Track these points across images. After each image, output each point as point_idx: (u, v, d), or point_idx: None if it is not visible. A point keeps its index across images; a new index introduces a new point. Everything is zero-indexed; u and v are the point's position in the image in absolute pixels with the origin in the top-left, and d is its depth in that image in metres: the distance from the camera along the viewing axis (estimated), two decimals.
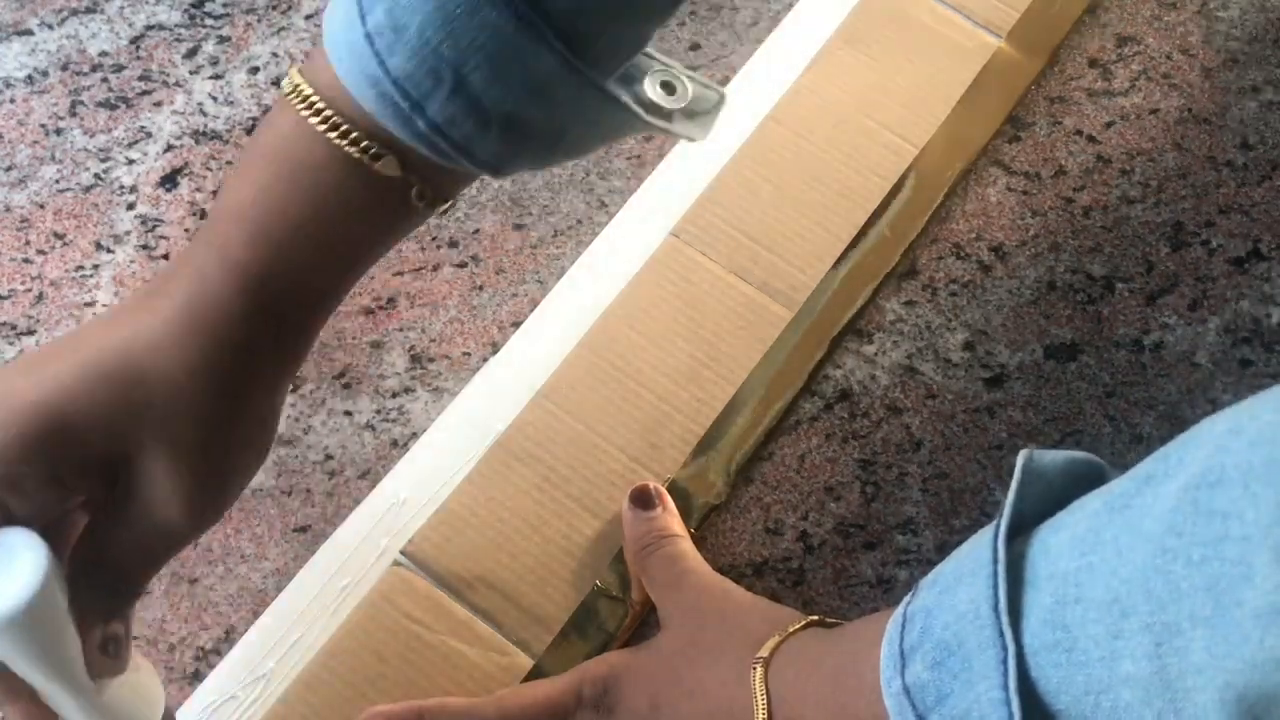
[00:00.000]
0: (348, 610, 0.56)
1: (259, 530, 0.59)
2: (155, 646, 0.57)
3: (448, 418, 0.61)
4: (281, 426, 0.61)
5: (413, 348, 0.64)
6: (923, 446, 0.62)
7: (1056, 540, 0.39)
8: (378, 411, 0.62)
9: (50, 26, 0.72)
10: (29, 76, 0.70)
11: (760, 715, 0.49)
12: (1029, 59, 0.72)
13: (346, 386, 0.63)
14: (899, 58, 0.71)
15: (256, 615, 0.57)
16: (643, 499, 0.58)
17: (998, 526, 0.41)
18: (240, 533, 0.59)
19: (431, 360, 0.64)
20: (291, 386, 0.62)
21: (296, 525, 0.59)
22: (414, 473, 0.60)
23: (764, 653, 0.50)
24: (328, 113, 0.41)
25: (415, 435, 0.62)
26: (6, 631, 0.39)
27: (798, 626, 0.51)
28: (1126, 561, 0.37)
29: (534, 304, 0.65)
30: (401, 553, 0.58)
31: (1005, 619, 0.39)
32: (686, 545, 0.57)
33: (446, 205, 0.45)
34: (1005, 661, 0.38)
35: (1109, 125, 0.71)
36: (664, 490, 0.58)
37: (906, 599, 0.44)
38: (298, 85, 0.42)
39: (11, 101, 0.69)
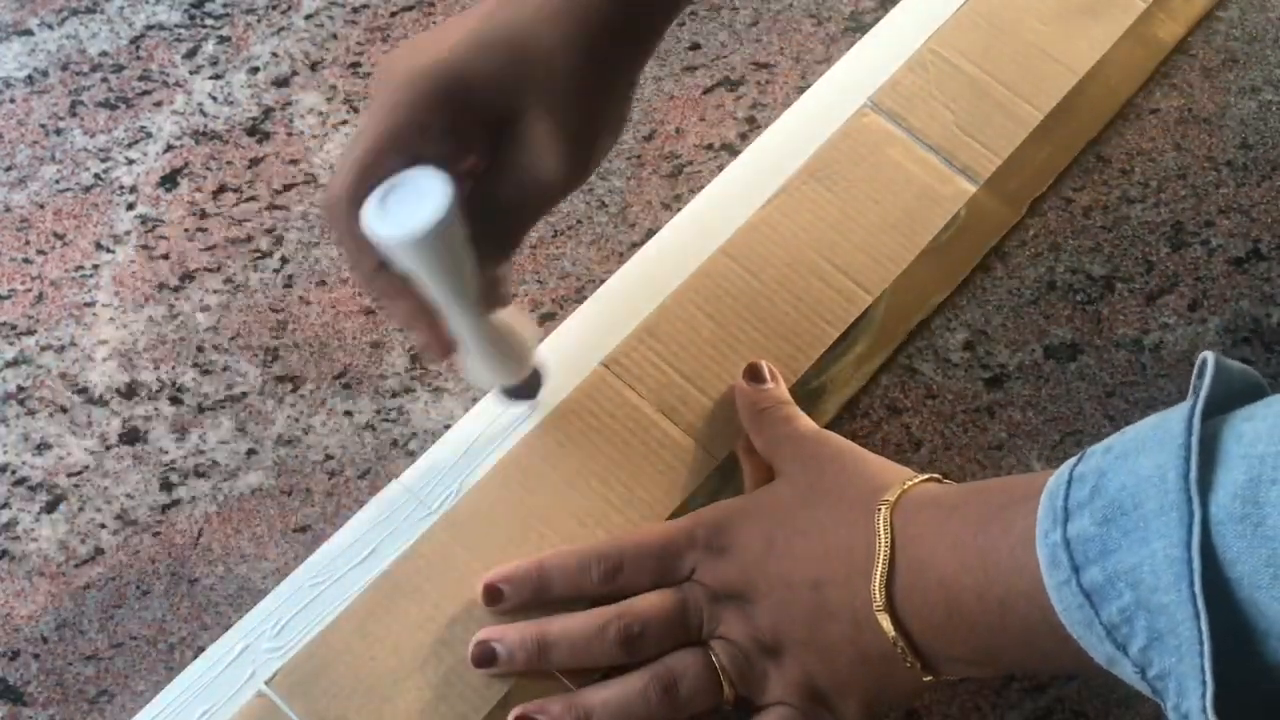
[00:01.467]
0: None
1: (259, 530, 0.59)
2: (155, 646, 0.57)
3: (339, 539, 0.58)
4: (281, 427, 0.61)
5: (413, 348, 0.64)
6: (923, 446, 0.62)
7: (1251, 428, 0.41)
8: (378, 411, 0.62)
9: (50, 26, 0.72)
10: (29, 76, 0.70)
11: (883, 552, 0.50)
12: (1006, 209, 0.68)
13: (346, 386, 0.63)
14: (866, 198, 0.67)
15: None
16: (755, 374, 0.60)
17: (1193, 406, 0.42)
18: (240, 533, 0.59)
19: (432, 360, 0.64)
20: (292, 387, 0.62)
21: (296, 525, 0.60)
22: (295, 595, 0.57)
23: (890, 496, 0.51)
24: None
25: (415, 435, 0.62)
26: (422, 245, 0.45)
27: (922, 479, 0.53)
28: None
29: (534, 305, 0.65)
30: (266, 683, 0.54)
31: (1195, 487, 0.40)
32: (800, 412, 0.59)
33: None
34: (1190, 526, 0.40)
35: (1108, 124, 0.71)
36: (776, 371, 0.61)
37: (1069, 464, 0.45)
38: None
39: (11, 101, 0.69)
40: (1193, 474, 0.41)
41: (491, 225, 0.49)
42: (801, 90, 0.72)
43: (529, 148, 0.48)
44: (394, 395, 0.63)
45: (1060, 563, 0.43)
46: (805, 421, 0.58)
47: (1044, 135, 0.70)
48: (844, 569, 0.51)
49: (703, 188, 0.68)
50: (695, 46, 0.73)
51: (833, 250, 0.65)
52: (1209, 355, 0.44)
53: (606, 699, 0.53)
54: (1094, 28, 0.73)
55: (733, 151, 0.70)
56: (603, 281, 0.66)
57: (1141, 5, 0.74)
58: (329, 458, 0.61)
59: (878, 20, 0.74)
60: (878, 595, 0.50)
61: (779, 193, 0.67)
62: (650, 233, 0.67)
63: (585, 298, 0.65)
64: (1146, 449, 0.43)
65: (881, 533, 0.50)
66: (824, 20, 0.74)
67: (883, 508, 0.51)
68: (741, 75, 0.73)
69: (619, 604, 0.54)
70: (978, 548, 0.47)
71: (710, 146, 0.70)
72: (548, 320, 0.65)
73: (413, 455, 0.61)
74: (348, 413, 0.62)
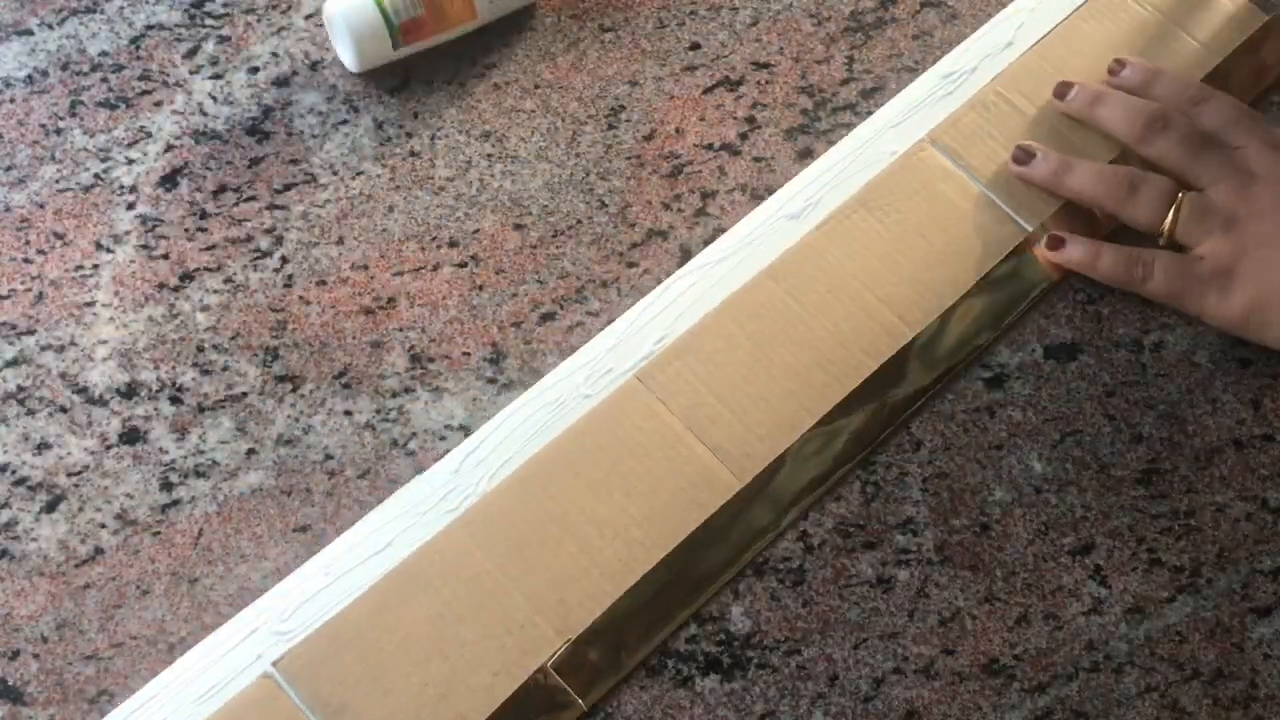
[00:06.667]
0: (204, 716, 0.53)
1: (259, 530, 0.59)
2: (155, 646, 0.57)
3: (357, 530, 0.59)
4: (281, 426, 0.61)
5: (413, 348, 0.64)
6: (923, 446, 0.62)
7: None
8: (378, 411, 0.62)
9: (50, 26, 0.72)
10: (29, 76, 0.70)
11: None
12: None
13: (346, 386, 0.63)
14: (915, 232, 0.66)
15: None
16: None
17: None
18: (240, 533, 0.59)
19: (431, 360, 0.64)
20: (292, 387, 0.62)
21: (296, 525, 0.60)
22: (309, 581, 0.57)
23: None
24: None
25: (415, 435, 0.62)
26: None
27: None
28: None
29: (534, 304, 0.65)
30: (273, 665, 0.54)
31: None
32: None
33: None
34: None
35: None
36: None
37: None
38: None
39: (11, 101, 0.69)
40: None
41: None
42: (801, 90, 0.72)
43: None
44: (394, 395, 0.63)
45: None
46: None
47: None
48: None
49: (702, 188, 0.69)
50: (695, 46, 0.73)
51: (877, 282, 0.65)
52: None
53: (1092, 166, 0.66)
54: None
55: (733, 151, 0.70)
56: (603, 282, 0.66)
57: (1230, 8, 0.73)
58: (329, 458, 0.61)
59: (878, 20, 0.74)
60: None
61: (829, 219, 0.67)
62: (651, 232, 0.67)
63: (585, 298, 0.65)
64: None
65: None
66: (824, 20, 0.74)
67: None
68: (741, 75, 0.73)
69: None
70: None
71: (710, 146, 0.70)
72: (548, 320, 0.65)
73: (413, 455, 0.61)
74: (348, 413, 0.62)
